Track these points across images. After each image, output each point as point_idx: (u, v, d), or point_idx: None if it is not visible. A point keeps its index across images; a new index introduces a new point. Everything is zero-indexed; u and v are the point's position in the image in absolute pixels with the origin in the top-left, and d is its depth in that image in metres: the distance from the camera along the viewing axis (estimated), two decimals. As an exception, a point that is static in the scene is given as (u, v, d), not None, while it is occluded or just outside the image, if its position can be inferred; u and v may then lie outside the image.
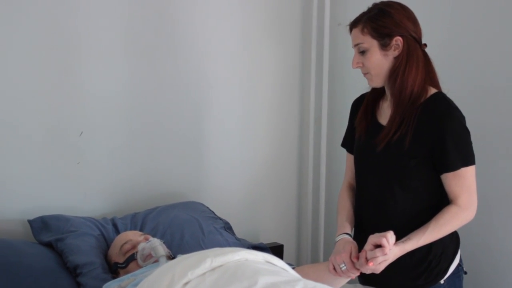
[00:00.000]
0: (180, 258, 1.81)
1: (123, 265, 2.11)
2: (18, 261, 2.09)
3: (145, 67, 2.70)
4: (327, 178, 3.25)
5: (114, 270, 2.15)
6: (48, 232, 2.32)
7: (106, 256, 2.24)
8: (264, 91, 3.12)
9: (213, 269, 1.68)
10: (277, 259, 1.86)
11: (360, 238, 2.09)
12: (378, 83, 2.09)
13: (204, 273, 1.66)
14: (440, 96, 2.05)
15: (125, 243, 2.16)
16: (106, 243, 2.32)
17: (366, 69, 2.08)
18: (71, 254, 2.19)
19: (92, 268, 2.12)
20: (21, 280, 2.03)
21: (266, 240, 3.06)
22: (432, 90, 2.06)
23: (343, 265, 1.98)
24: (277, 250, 2.86)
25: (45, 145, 2.46)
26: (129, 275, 1.99)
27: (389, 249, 1.89)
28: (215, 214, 2.71)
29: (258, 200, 3.14)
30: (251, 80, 3.06)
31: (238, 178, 3.06)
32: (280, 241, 3.11)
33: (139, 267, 2.06)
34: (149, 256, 2.07)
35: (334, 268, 2.01)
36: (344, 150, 2.37)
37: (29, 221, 2.38)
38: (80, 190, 2.55)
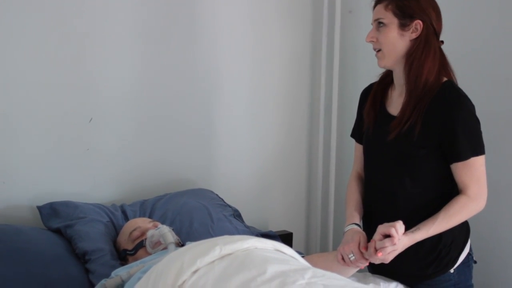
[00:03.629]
0: (189, 245, 1.80)
1: (132, 252, 2.12)
2: (27, 247, 2.09)
3: (155, 55, 2.69)
4: (337, 166, 3.24)
5: (123, 257, 2.15)
6: (57, 218, 2.32)
7: (115, 243, 2.25)
8: (274, 79, 3.11)
9: (222, 257, 1.68)
10: (287, 247, 1.85)
11: (369, 228, 2.09)
12: (388, 62, 2.07)
13: (213, 261, 1.66)
14: (450, 85, 2.03)
15: (134, 230, 2.16)
16: (115, 230, 2.32)
17: (379, 44, 2.06)
18: (80, 240, 2.19)
19: (101, 255, 2.12)
20: (30, 266, 2.03)
21: (275, 228, 3.06)
22: (444, 80, 2.04)
23: (352, 255, 1.98)
24: (286, 238, 2.85)
25: (54, 131, 2.45)
26: (137, 262, 1.99)
27: (398, 239, 1.88)
28: (224, 202, 2.70)
29: (267, 187, 3.13)
30: (261, 68, 3.05)
31: (248, 165, 3.05)
32: (289, 229, 3.09)
33: (148, 254, 2.06)
34: (158, 243, 2.07)
35: (343, 258, 2.01)
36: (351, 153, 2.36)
37: (38, 207, 2.38)
38: (89, 176, 2.55)
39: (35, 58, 2.39)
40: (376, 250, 1.91)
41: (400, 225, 1.89)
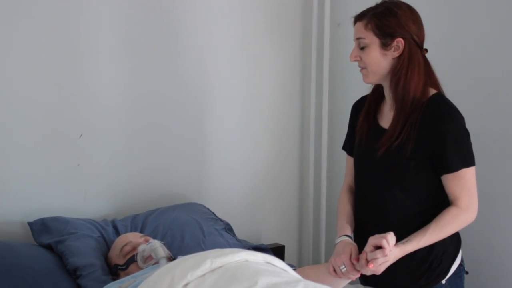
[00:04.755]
0: (180, 259, 1.80)
1: (124, 267, 2.11)
2: (17, 263, 2.09)
3: (145, 68, 2.70)
4: (328, 179, 3.25)
5: (115, 272, 2.14)
6: (48, 234, 2.32)
7: (106, 258, 2.24)
8: (265, 92, 3.12)
9: (212, 270, 1.67)
10: (278, 260, 1.85)
11: (360, 240, 2.08)
12: (373, 80, 2.09)
13: (204, 274, 1.66)
14: (439, 97, 2.04)
15: (125, 244, 2.16)
16: (106, 245, 2.32)
17: (363, 63, 2.07)
18: (71, 256, 2.18)
19: (92, 270, 2.11)
20: (21, 282, 2.02)
21: (267, 241, 3.07)
22: (432, 91, 2.06)
23: (343, 266, 1.98)
24: (278, 251, 2.85)
25: (45, 147, 2.45)
26: (129, 276, 1.99)
27: (390, 250, 1.88)
28: (215, 215, 2.70)
29: (259, 200, 3.14)
30: (251, 80, 3.06)
31: (239, 179, 3.05)
32: (281, 242, 3.10)
33: (140, 268, 2.06)
34: (150, 257, 2.06)
35: (334, 270, 2.00)
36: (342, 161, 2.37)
37: (29, 223, 2.37)
38: (80, 191, 2.55)
39: (22, 75, 2.39)
40: (367, 262, 1.91)
41: (391, 237, 1.89)
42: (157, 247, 2.06)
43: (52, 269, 2.14)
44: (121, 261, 2.13)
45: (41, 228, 2.35)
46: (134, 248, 2.13)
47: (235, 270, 1.67)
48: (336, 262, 2.00)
